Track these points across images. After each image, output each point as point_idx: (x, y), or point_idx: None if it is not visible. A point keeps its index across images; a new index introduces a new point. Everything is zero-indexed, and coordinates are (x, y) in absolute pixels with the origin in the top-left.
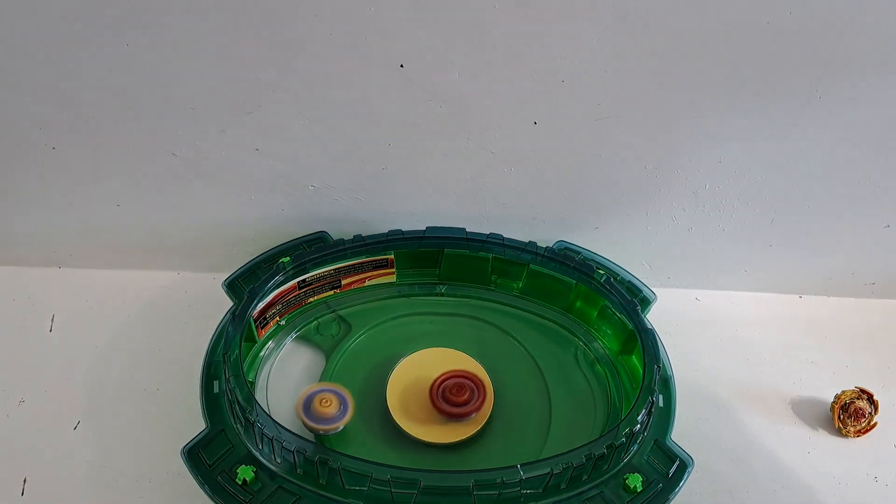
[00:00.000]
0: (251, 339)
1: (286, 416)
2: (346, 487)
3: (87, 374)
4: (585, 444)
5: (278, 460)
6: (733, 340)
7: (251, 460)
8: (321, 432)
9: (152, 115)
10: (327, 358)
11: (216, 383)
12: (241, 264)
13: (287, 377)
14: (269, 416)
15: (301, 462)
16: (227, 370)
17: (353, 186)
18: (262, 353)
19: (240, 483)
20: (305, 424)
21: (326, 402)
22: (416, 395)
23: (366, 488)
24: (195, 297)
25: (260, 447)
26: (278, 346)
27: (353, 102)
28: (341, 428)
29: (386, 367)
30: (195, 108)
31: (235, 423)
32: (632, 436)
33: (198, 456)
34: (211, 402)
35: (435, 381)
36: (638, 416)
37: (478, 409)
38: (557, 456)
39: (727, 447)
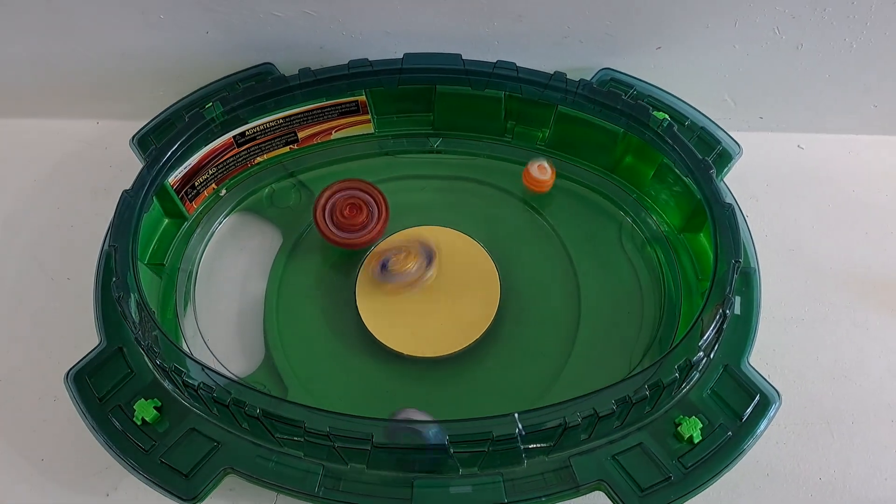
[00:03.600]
0: (177, 215)
1: (227, 312)
2: (276, 436)
3: None
4: (617, 384)
5: (187, 394)
6: (848, 205)
7: (156, 391)
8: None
9: None
10: (284, 236)
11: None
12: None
13: (230, 263)
14: (165, 336)
15: (210, 402)
16: (116, 265)
17: None
18: (194, 234)
19: (138, 423)
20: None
21: (400, 262)
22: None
23: (301, 440)
24: (118, 153)
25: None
26: (215, 222)
27: None
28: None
29: (359, 253)
30: None
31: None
32: (689, 368)
33: (86, 383)
34: (109, 310)
35: (320, 197)
36: (701, 339)
37: (374, 236)
38: (573, 401)
39: (827, 360)
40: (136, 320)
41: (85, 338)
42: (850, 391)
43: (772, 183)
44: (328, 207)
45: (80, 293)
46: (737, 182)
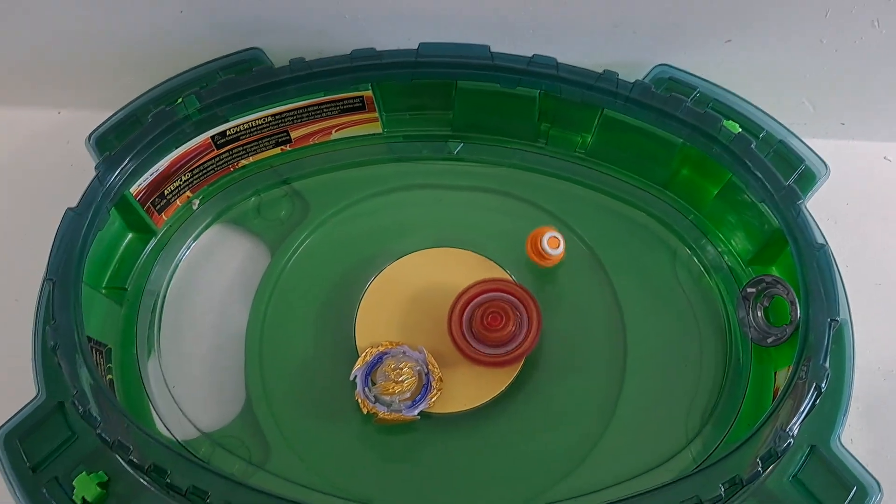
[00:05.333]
0: (143, 229)
1: (200, 348)
2: None
3: None
4: (683, 479)
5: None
6: None
7: (102, 461)
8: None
9: None
10: (272, 256)
11: None
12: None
13: (205, 288)
14: (108, 399)
15: (163, 485)
16: (53, 305)
17: None
18: (163, 251)
19: (78, 502)
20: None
21: (389, 382)
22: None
23: None
24: (83, 149)
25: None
26: (189, 237)
27: None
28: (419, 417)
29: (361, 277)
30: None
31: None
32: (774, 458)
33: (17, 447)
34: (50, 356)
35: (459, 297)
36: (789, 423)
37: (527, 349)
38: (627, 500)
39: None
40: (74, 377)
41: (29, 375)
42: None
43: (853, 202)
44: (465, 317)
45: (30, 320)
46: (811, 200)
